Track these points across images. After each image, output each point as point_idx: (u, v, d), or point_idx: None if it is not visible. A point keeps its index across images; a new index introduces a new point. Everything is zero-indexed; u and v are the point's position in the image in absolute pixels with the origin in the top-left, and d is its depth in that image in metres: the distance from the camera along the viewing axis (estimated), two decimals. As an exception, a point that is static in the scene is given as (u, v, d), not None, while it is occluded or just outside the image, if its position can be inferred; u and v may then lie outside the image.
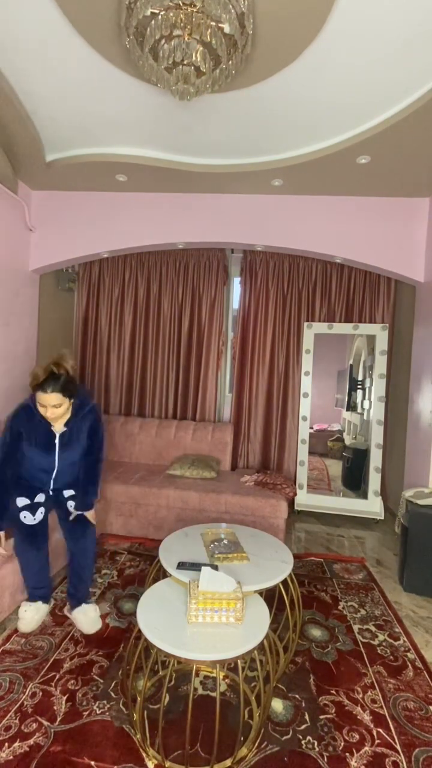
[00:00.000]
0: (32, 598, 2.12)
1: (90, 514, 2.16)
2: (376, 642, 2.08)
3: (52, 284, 3.87)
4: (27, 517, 2.06)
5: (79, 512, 2.14)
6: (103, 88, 2.25)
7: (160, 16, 1.55)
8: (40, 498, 2.12)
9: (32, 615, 2.06)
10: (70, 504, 2.18)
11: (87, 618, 2.05)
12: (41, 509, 2.11)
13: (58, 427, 2.07)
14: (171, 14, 1.54)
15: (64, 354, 2.06)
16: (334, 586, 2.60)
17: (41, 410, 1.99)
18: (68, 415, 2.09)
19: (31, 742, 1.45)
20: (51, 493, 2.19)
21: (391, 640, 2.10)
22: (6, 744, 1.43)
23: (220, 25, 1.58)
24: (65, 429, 2.08)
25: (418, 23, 1.76)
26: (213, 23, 1.57)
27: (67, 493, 2.20)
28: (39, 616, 2.08)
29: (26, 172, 3.16)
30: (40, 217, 3.50)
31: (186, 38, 1.58)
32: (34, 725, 1.51)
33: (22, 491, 2.10)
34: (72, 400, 2.06)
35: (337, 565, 2.87)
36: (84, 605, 2.09)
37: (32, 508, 2.08)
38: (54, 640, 1.98)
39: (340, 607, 2.36)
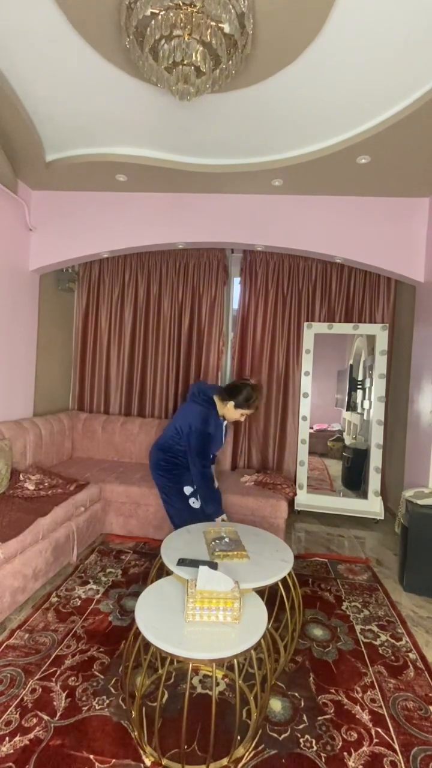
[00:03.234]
0: None
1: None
2: (377, 642, 2.08)
3: (52, 284, 3.88)
4: (194, 503, 2.58)
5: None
6: (103, 88, 2.26)
7: (160, 16, 1.56)
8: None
9: None
10: None
11: None
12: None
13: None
14: (171, 14, 1.55)
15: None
16: (338, 586, 2.60)
17: (240, 419, 2.64)
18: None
19: (31, 736, 1.46)
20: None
21: (393, 640, 2.10)
22: (6, 738, 1.44)
23: (220, 25, 1.58)
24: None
25: (419, 23, 1.76)
26: (213, 23, 1.58)
27: None
28: None
29: (26, 172, 3.17)
30: (40, 217, 3.51)
31: (186, 38, 1.59)
32: (34, 720, 1.52)
33: (189, 482, 2.60)
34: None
35: (341, 566, 2.87)
36: None
37: (194, 494, 2.61)
38: (57, 637, 1.99)
39: (343, 607, 2.36)
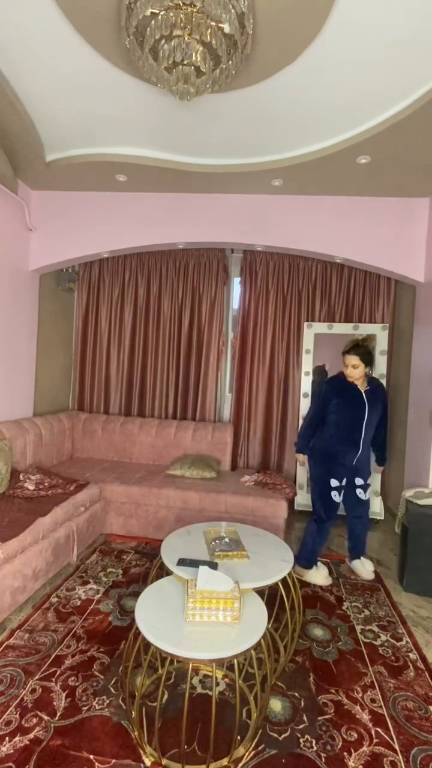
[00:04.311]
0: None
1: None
2: (378, 642, 2.08)
3: (52, 284, 3.88)
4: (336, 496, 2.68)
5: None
6: (103, 88, 2.26)
7: (160, 16, 1.56)
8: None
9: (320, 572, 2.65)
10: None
11: (364, 568, 2.73)
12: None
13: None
14: (171, 14, 1.55)
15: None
16: (339, 586, 2.60)
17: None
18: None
19: (31, 736, 1.46)
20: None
21: (393, 640, 2.10)
22: (6, 738, 1.44)
23: (220, 25, 1.58)
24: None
25: (418, 23, 1.76)
26: (213, 23, 1.58)
27: None
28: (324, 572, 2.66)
29: (26, 172, 3.17)
30: (40, 217, 3.51)
31: (186, 38, 1.59)
32: (34, 720, 1.52)
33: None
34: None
35: (343, 566, 2.87)
36: (362, 558, 2.77)
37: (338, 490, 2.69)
38: (57, 637, 1.99)
39: (344, 608, 2.36)
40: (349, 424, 2.66)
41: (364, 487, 2.75)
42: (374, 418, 2.68)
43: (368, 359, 2.66)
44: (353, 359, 2.64)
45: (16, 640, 1.95)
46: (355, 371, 2.65)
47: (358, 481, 2.74)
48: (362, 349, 2.66)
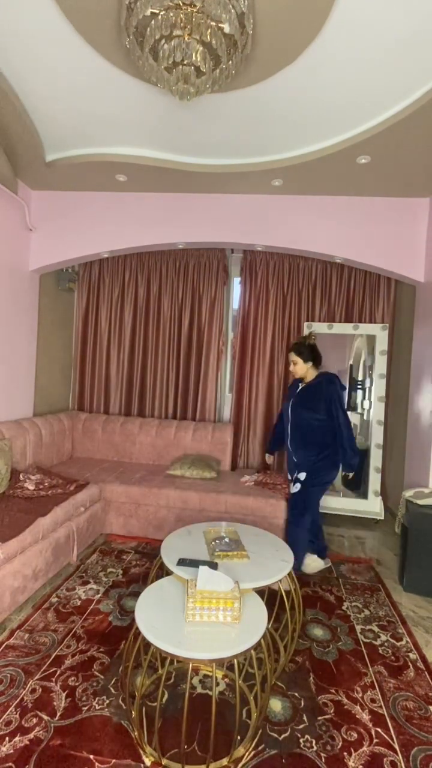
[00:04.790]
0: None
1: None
2: (378, 642, 2.08)
3: (52, 284, 3.88)
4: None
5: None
6: (103, 88, 2.26)
7: (160, 16, 1.56)
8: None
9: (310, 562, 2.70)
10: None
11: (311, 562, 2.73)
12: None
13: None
14: (171, 14, 1.55)
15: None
16: (339, 586, 2.60)
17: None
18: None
19: (31, 736, 1.46)
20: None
21: (393, 640, 2.10)
22: (6, 738, 1.44)
23: (220, 25, 1.58)
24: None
25: (418, 23, 1.76)
26: (213, 23, 1.57)
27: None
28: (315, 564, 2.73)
29: (26, 172, 3.17)
30: (40, 217, 3.51)
31: (186, 38, 1.59)
32: (34, 720, 1.52)
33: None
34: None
35: (343, 566, 2.87)
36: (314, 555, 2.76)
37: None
38: (57, 637, 1.99)
39: (344, 608, 2.36)
40: (286, 423, 2.79)
41: (296, 480, 2.73)
42: (306, 416, 2.65)
43: (307, 355, 2.67)
44: (291, 356, 2.72)
45: (16, 640, 1.95)
46: (296, 368, 2.71)
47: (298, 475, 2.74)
48: (299, 345, 2.70)
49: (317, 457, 2.66)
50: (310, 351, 2.69)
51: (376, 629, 2.18)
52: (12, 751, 1.40)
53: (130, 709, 1.55)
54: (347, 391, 4.07)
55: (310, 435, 2.67)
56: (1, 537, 2.07)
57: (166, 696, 1.66)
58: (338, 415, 2.58)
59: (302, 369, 2.70)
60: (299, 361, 2.69)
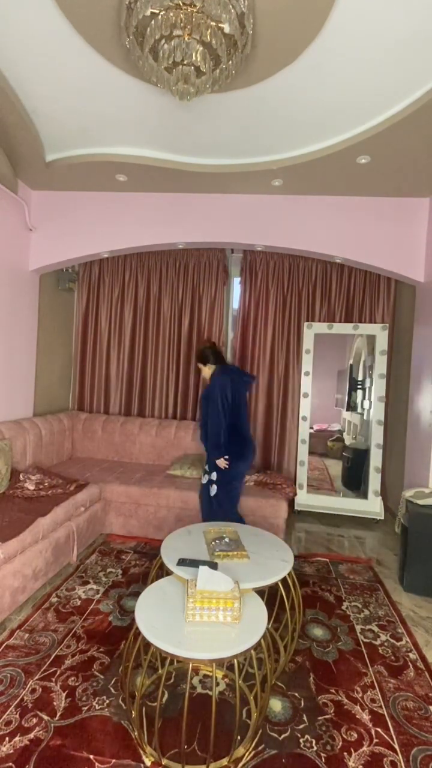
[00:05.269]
0: None
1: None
2: (377, 642, 2.08)
3: (52, 284, 3.88)
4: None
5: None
6: (103, 88, 2.26)
7: (160, 16, 1.56)
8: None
9: None
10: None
11: None
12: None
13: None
14: (171, 14, 1.54)
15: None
16: (338, 586, 2.60)
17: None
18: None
19: (31, 736, 1.46)
20: None
21: (393, 640, 2.10)
22: (6, 738, 1.44)
23: (220, 25, 1.58)
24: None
25: (419, 23, 1.76)
26: (213, 23, 1.57)
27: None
28: None
29: (26, 172, 3.17)
30: (40, 217, 3.51)
31: (186, 38, 1.58)
32: (34, 720, 1.52)
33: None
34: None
35: (342, 566, 2.87)
36: None
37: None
38: (57, 637, 1.99)
39: (343, 607, 2.36)
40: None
41: (209, 481, 2.77)
42: (204, 415, 2.75)
43: (202, 359, 2.84)
44: (198, 366, 2.90)
45: (16, 640, 1.95)
46: (204, 374, 2.87)
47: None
48: (199, 353, 2.87)
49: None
50: (211, 353, 2.83)
51: (375, 629, 2.18)
52: (12, 751, 1.40)
53: (130, 709, 1.54)
54: (346, 390, 4.08)
55: (206, 432, 2.76)
56: (1, 537, 2.07)
57: (166, 696, 1.66)
58: (209, 412, 2.67)
59: (208, 372, 2.84)
60: (203, 367, 2.85)
